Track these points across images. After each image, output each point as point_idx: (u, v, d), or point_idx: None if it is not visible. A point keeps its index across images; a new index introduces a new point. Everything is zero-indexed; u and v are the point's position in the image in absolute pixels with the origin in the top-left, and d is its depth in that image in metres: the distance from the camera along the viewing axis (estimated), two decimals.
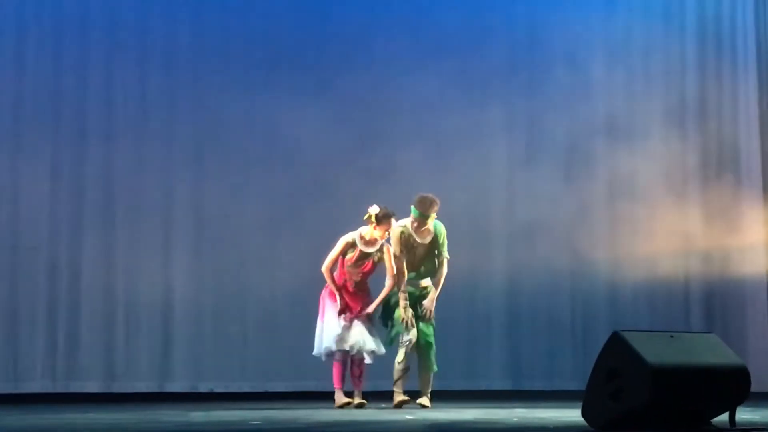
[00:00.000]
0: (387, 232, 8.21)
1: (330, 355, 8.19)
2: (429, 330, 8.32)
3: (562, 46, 10.71)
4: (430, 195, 8.06)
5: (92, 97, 9.60)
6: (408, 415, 7.32)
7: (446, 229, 8.23)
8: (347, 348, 8.15)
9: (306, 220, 9.75)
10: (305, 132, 9.95)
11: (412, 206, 8.05)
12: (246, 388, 9.72)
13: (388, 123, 10.17)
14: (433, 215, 8.09)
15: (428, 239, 8.18)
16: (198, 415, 7.21)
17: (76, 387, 9.33)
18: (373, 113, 10.14)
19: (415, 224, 8.07)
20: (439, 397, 9.18)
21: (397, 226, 8.16)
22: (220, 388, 9.66)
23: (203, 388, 9.65)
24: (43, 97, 9.44)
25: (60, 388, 9.30)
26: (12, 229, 9.27)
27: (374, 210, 8.15)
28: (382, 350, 8.19)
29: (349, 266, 8.24)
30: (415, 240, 8.13)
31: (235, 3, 10.10)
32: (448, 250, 8.25)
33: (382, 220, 8.16)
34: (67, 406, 8.42)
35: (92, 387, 9.38)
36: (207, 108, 9.83)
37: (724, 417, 5.65)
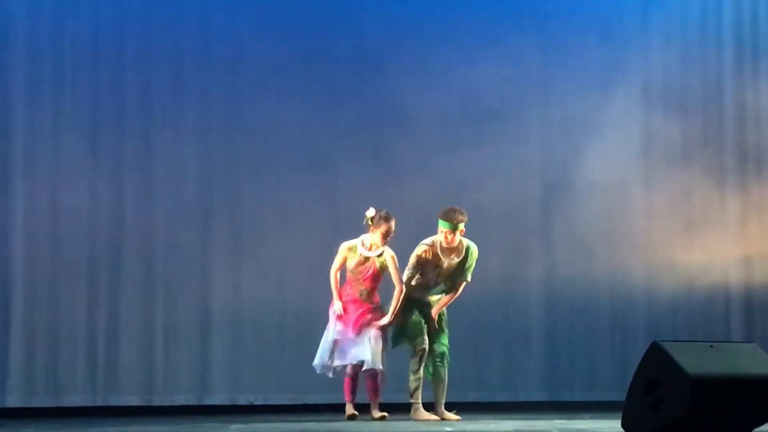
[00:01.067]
0: (387, 237, 8.05)
1: (326, 369, 8.10)
2: (444, 339, 8.14)
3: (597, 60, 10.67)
4: (456, 206, 7.97)
5: (130, 109, 9.64)
6: (447, 427, 7.31)
7: (478, 250, 8.13)
8: (347, 361, 8.01)
9: (344, 230, 9.74)
10: (342, 139, 9.97)
11: (439, 219, 7.96)
12: (285, 400, 9.72)
13: (427, 130, 10.15)
14: (462, 227, 7.93)
15: (455, 260, 8.01)
16: (237, 427, 7.24)
17: (116, 401, 9.37)
18: (412, 121, 10.11)
19: (448, 238, 7.89)
20: (478, 409, 9.16)
21: (423, 244, 8.02)
22: (259, 401, 9.68)
23: (242, 400, 9.67)
24: (81, 108, 9.50)
25: (100, 402, 9.35)
26: (52, 243, 9.33)
27: (370, 213, 8.03)
28: (378, 366, 7.96)
29: (351, 272, 8.12)
30: (440, 259, 7.99)
31: (271, 14, 10.11)
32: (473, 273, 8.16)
33: (378, 222, 8.00)
34: (108, 420, 8.48)
35: (132, 400, 9.42)
36: (242, 115, 9.84)
37: (765, 428, 5.60)
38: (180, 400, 9.56)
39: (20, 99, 9.36)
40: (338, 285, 8.19)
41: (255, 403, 9.67)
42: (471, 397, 9.87)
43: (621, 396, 5.66)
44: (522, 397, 10.31)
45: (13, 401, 9.16)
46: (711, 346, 5.59)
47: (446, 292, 8.15)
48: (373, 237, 8.08)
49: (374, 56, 10.14)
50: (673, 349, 5.38)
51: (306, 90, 9.97)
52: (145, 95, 9.69)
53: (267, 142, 9.89)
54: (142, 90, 9.68)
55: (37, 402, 9.20)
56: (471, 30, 10.31)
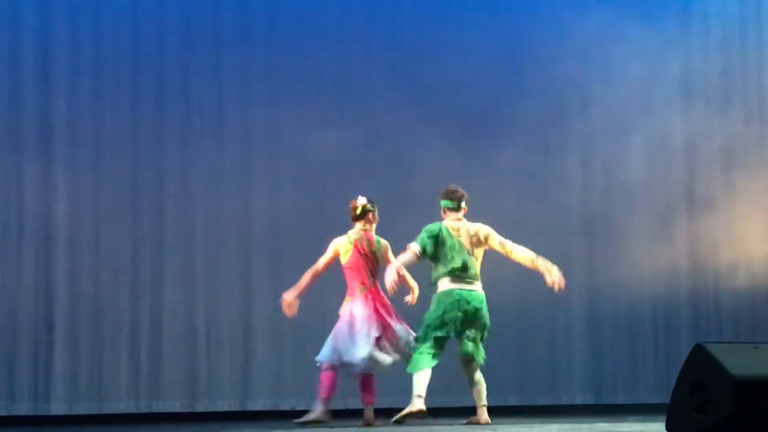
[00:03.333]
0: (371, 226, 7.76)
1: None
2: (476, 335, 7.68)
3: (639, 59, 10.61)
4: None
5: (169, 123, 9.70)
6: (488, 430, 7.28)
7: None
8: (393, 357, 7.62)
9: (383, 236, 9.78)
10: (383, 146, 9.98)
11: (442, 200, 7.69)
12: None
13: (476, 137, 10.14)
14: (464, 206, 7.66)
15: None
16: None
17: (159, 407, 9.42)
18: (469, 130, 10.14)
19: (451, 216, 7.61)
20: (521, 412, 9.14)
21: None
22: (301, 406, 9.67)
23: (284, 405, 9.69)
24: (121, 121, 9.56)
25: (143, 408, 9.40)
26: (94, 251, 9.40)
27: (363, 201, 7.77)
28: (386, 361, 7.58)
29: (349, 268, 7.75)
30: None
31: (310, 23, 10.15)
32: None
33: (371, 210, 7.76)
34: (151, 426, 8.52)
35: (175, 407, 9.47)
36: (283, 121, 9.87)
37: None
38: (223, 406, 9.60)
39: (61, 106, 9.44)
40: (309, 282, 7.85)
41: (297, 408, 9.67)
42: (514, 400, 9.86)
43: (665, 398, 5.61)
44: (565, 400, 10.28)
45: (57, 409, 9.23)
46: (755, 347, 5.53)
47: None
48: (365, 227, 7.76)
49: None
50: (717, 351, 5.32)
51: (344, 100, 10.00)
52: (186, 109, 9.75)
53: (307, 147, 9.91)
54: (182, 103, 9.75)
55: (81, 409, 9.28)
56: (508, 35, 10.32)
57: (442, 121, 10.07)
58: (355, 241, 7.76)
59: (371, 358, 7.53)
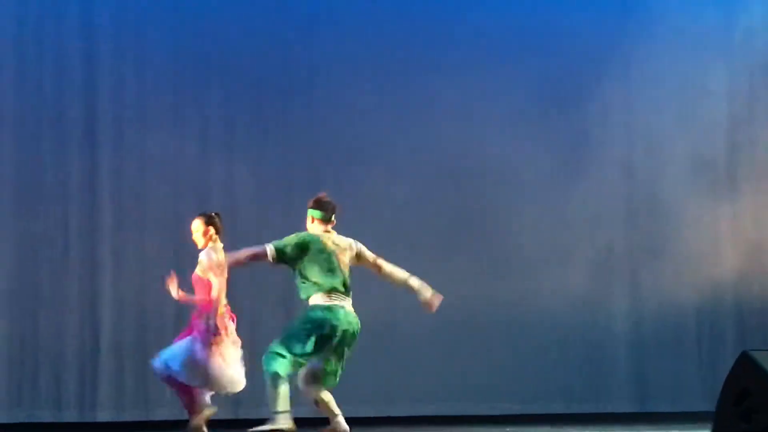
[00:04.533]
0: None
1: None
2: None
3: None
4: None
5: (212, 134, 9.78)
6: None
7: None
8: None
9: (449, 238, 9.83)
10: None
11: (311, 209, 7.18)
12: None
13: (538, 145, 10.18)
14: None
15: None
16: None
17: (220, 414, 9.46)
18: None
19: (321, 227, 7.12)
20: (564, 420, 9.10)
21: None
22: (372, 413, 9.66)
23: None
24: (165, 133, 9.65)
25: (187, 415, 9.43)
26: (139, 258, 9.48)
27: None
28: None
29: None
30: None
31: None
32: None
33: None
34: None
35: (221, 413, 9.49)
36: (346, 114, 9.91)
37: None
38: (265, 413, 9.60)
39: (107, 120, 9.55)
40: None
41: (358, 415, 9.66)
42: (557, 408, 9.83)
43: (710, 406, 5.59)
44: (609, 408, 10.22)
45: (103, 416, 9.32)
46: None
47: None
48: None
49: None
50: (764, 359, 5.30)
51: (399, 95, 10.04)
52: (257, 110, 9.84)
53: (375, 139, 9.94)
54: (253, 103, 9.85)
55: (127, 416, 9.36)
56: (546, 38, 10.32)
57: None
58: None
59: None
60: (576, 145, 10.31)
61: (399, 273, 7.15)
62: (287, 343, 7.00)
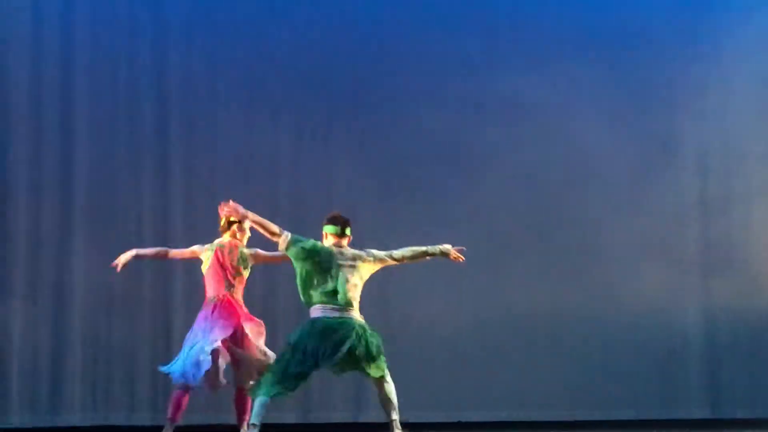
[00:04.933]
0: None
1: None
2: None
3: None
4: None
5: (282, 140, 9.84)
6: None
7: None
8: None
9: (497, 239, 9.80)
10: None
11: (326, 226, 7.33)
12: (440, 417, 9.73)
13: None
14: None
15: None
16: None
17: (273, 418, 9.49)
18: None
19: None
20: (635, 426, 9.01)
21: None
22: (412, 418, 9.66)
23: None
24: (236, 132, 9.73)
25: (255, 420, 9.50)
26: (189, 272, 9.58)
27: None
28: None
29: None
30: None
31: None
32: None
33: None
34: None
35: (289, 417, 9.56)
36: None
37: None
38: (336, 417, 9.66)
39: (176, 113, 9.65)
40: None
41: (410, 420, 9.68)
42: (628, 414, 9.73)
43: None
44: (681, 414, 10.09)
45: (199, 419, 9.42)
46: None
47: None
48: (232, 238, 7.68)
49: None
50: None
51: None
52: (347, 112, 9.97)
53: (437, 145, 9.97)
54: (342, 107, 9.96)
55: (198, 419, 9.41)
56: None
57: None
58: (216, 249, 7.67)
59: None
60: (654, 144, 10.21)
61: (417, 249, 7.26)
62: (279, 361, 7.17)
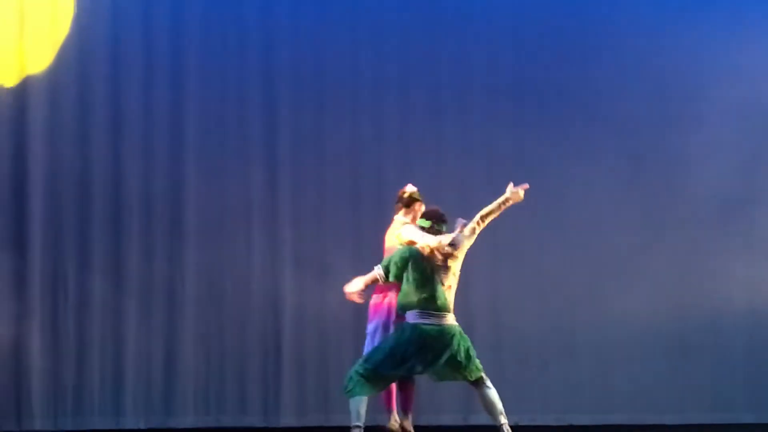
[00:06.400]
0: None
1: None
2: None
3: None
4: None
5: (387, 142, 9.86)
6: None
7: None
8: None
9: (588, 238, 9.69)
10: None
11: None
12: (550, 420, 9.63)
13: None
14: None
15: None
16: None
17: (383, 420, 9.46)
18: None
19: None
20: (720, 431, 8.80)
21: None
22: (524, 421, 9.57)
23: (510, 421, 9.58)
24: (342, 136, 9.78)
25: (369, 421, 9.49)
26: (320, 265, 9.59)
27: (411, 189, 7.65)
28: None
29: None
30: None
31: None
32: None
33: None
34: None
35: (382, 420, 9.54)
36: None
37: None
38: (445, 420, 9.60)
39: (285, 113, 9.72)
40: None
41: (521, 423, 9.59)
42: (712, 418, 9.51)
43: None
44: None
45: (286, 421, 9.47)
46: None
47: None
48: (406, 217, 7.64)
49: None
50: None
51: None
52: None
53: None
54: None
55: (309, 421, 9.50)
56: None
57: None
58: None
59: None
60: None
61: (484, 210, 7.15)
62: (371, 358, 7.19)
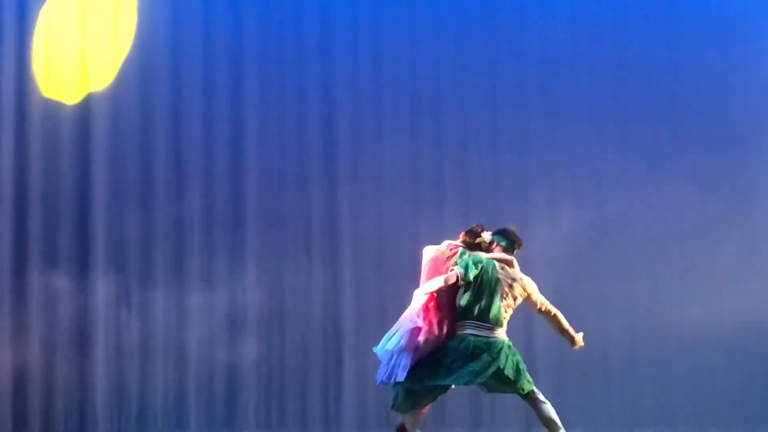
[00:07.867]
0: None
1: None
2: None
3: None
4: None
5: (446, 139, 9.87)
6: None
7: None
8: None
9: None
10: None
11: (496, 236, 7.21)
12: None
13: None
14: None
15: None
16: None
17: None
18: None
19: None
20: None
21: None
22: None
23: None
24: (401, 134, 9.82)
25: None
26: (378, 271, 9.62)
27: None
28: None
29: None
30: None
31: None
32: None
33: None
34: None
35: None
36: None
37: None
38: None
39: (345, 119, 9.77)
40: None
41: None
42: None
43: None
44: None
45: (347, 430, 9.50)
46: None
47: None
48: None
49: None
50: None
51: None
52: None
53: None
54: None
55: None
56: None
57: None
58: None
59: None
60: None
61: (561, 323, 7.06)
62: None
